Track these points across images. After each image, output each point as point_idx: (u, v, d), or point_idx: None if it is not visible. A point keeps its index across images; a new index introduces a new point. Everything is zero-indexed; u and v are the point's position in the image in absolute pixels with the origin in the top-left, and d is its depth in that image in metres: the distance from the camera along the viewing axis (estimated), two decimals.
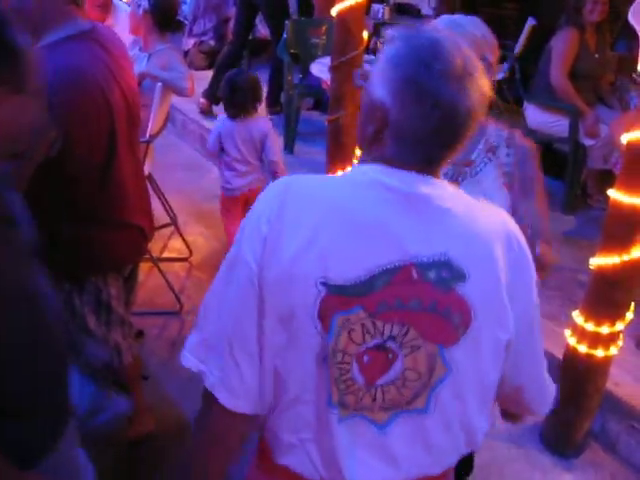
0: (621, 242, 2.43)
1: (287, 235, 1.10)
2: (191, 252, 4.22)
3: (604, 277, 2.51)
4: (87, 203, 2.24)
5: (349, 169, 1.20)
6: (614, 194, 2.43)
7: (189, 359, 1.20)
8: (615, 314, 2.54)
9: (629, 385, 2.90)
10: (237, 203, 3.81)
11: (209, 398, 1.18)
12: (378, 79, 1.14)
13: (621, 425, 2.85)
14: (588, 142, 4.47)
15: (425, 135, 1.11)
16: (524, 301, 1.21)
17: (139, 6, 3.65)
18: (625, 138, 2.39)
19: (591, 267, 2.56)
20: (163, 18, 3.70)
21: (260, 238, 1.11)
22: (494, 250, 1.16)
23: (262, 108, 4.63)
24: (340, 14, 3.56)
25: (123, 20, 4.00)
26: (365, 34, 3.65)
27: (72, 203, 2.22)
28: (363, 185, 1.14)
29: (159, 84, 3.58)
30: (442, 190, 1.16)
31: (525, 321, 1.22)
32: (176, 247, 4.30)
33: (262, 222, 1.12)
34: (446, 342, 1.13)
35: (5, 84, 1.17)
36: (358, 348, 1.11)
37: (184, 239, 4.23)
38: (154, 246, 3.80)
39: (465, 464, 2.14)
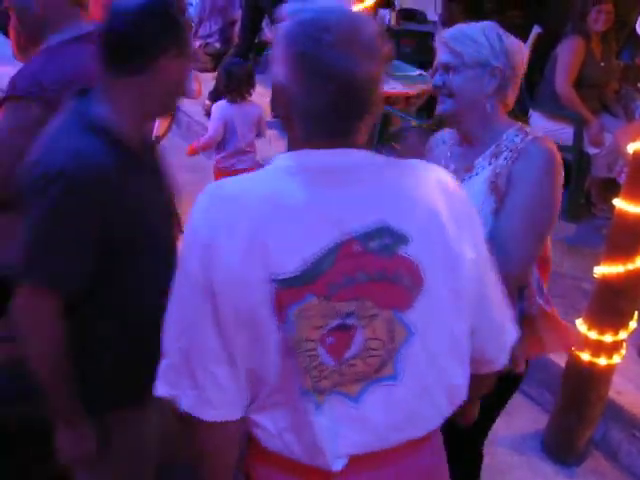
0: (626, 251, 2.44)
1: (226, 240, 1.08)
2: None
3: (608, 286, 2.51)
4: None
5: (274, 160, 1.17)
6: (619, 203, 2.43)
7: (161, 387, 1.18)
8: (619, 323, 2.54)
9: (631, 394, 2.90)
10: None
11: (191, 419, 1.17)
12: (276, 60, 1.13)
13: (623, 434, 2.85)
14: (592, 151, 4.47)
15: (326, 110, 1.10)
16: (473, 247, 1.21)
17: None
18: (631, 147, 2.40)
19: (595, 276, 2.56)
20: None
21: (199, 249, 1.10)
22: (434, 205, 1.16)
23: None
24: None
25: None
26: None
27: None
28: (287, 172, 1.13)
29: None
30: (365, 159, 1.15)
31: (477, 266, 1.22)
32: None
33: (198, 234, 1.12)
34: (401, 306, 1.13)
35: (173, 50, 1.52)
36: (320, 332, 1.11)
37: None
38: None
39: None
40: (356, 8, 3.37)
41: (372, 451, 1.18)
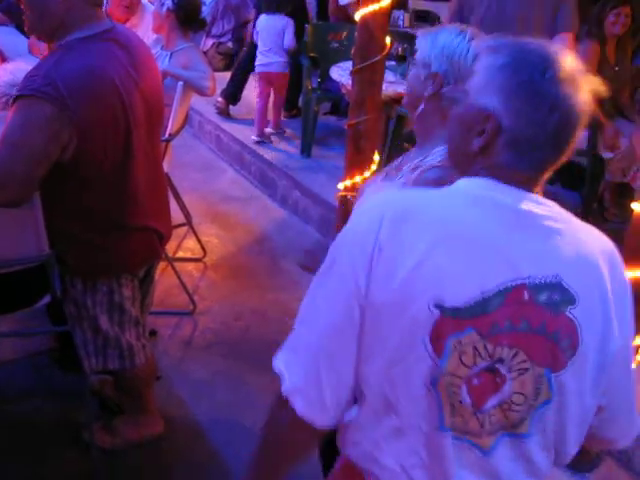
0: None
1: (399, 257, 1.06)
2: (205, 252, 4.22)
3: None
4: (101, 206, 2.23)
5: (456, 184, 1.15)
6: (638, 207, 2.40)
7: (278, 359, 1.18)
8: (636, 328, 2.50)
9: None
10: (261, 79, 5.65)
11: (284, 401, 1.15)
12: (485, 88, 1.12)
13: (637, 441, 2.80)
14: (607, 155, 4.44)
15: (543, 140, 1.10)
16: (624, 322, 1.18)
17: (162, 5, 3.65)
18: None
19: None
20: (186, 16, 3.70)
21: (367, 258, 1.08)
22: (602, 273, 1.14)
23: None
24: (363, 19, 3.55)
25: (149, 20, 4.00)
26: (388, 40, 3.64)
27: (86, 206, 2.21)
28: (472, 201, 1.11)
29: (180, 83, 3.58)
30: (549, 209, 1.14)
31: (625, 349, 1.20)
32: (190, 247, 4.30)
33: (368, 242, 1.09)
34: (554, 366, 1.11)
35: None
36: (468, 371, 1.08)
37: (199, 239, 4.22)
38: (168, 245, 3.80)
39: None
40: (370, 8, 3.35)
41: None
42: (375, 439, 1.15)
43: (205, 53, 7.11)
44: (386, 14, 3.58)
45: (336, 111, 5.88)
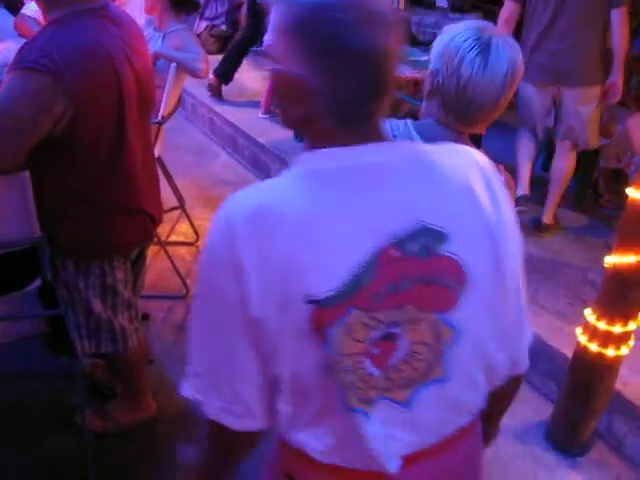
0: (638, 241, 2.40)
1: (263, 264, 1.00)
2: (198, 236, 4.20)
3: (619, 276, 2.48)
4: (93, 187, 2.20)
5: (296, 166, 1.07)
6: (632, 193, 2.39)
7: (188, 389, 1.15)
8: (628, 313, 2.51)
9: (637, 385, 2.88)
10: None
11: (215, 424, 1.14)
12: (285, 55, 1.03)
13: (628, 426, 2.82)
14: (602, 141, 4.43)
15: (354, 92, 1.02)
16: (509, 236, 1.15)
17: None
18: None
19: (606, 265, 2.53)
20: None
21: (231, 273, 1.01)
22: (473, 193, 1.10)
23: None
24: None
25: (135, 0, 3.95)
26: None
27: (78, 187, 2.18)
28: (316, 179, 1.04)
29: (173, 65, 3.54)
30: (393, 150, 1.08)
31: (516, 257, 1.18)
32: (183, 231, 4.28)
33: (227, 258, 1.02)
34: (445, 307, 1.08)
35: None
36: (364, 345, 1.05)
37: (192, 223, 4.20)
38: (161, 229, 3.78)
39: None
40: None
41: (425, 448, 1.16)
42: (300, 426, 1.13)
43: (198, 36, 7.04)
44: None
45: None
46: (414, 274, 1.05)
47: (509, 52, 1.62)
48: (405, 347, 1.08)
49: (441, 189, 1.09)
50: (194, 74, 3.68)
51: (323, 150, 1.06)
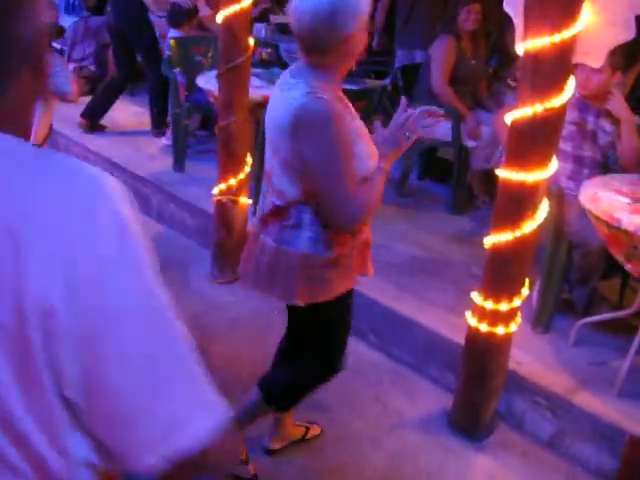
0: (512, 219, 2.51)
1: None
2: None
3: (499, 254, 2.57)
4: None
5: None
6: (503, 173, 2.50)
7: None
8: (512, 290, 2.61)
9: (530, 364, 2.99)
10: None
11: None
12: None
13: (526, 403, 2.91)
14: (471, 144, 4.64)
15: None
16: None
17: None
18: (509, 118, 2.48)
19: (485, 246, 2.62)
20: None
21: None
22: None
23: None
24: (225, 21, 3.55)
25: None
26: (251, 40, 3.65)
27: None
28: None
29: None
30: None
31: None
32: None
33: None
34: None
35: None
36: None
37: None
38: None
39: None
40: (232, 9, 3.31)
41: None
42: None
43: None
44: (247, 14, 3.60)
45: (206, 126, 5.82)
46: None
47: None
48: None
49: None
50: (64, 98, 3.58)
51: None
